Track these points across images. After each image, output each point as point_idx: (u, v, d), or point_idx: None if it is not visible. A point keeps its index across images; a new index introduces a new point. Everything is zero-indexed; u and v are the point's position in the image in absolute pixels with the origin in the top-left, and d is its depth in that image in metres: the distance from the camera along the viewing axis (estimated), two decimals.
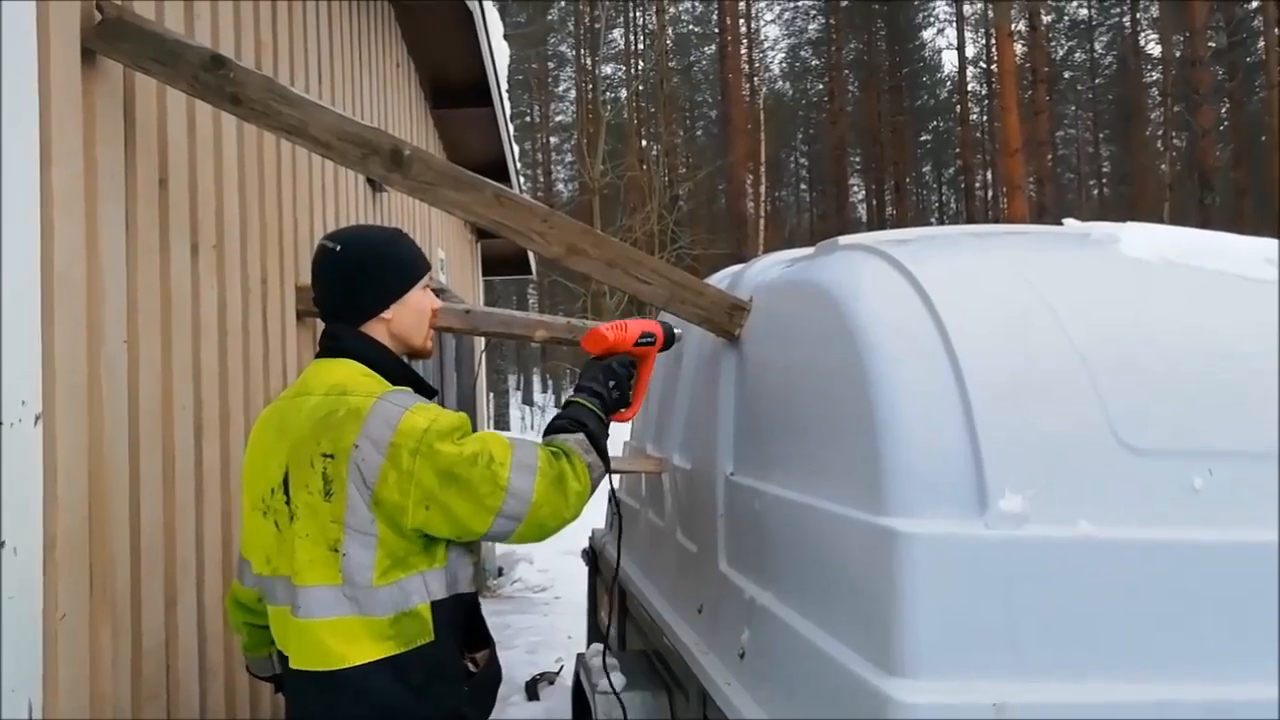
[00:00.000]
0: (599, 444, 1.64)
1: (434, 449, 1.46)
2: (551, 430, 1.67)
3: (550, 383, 35.52)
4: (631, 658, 2.64)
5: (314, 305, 1.70)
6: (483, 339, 7.01)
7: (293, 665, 1.54)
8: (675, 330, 1.96)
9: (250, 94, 1.96)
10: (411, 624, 1.50)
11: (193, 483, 2.25)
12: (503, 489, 1.48)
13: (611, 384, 1.74)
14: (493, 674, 1.70)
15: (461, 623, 1.61)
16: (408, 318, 1.68)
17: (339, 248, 1.65)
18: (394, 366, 1.64)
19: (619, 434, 2.06)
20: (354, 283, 1.63)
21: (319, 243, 1.69)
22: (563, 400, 1.77)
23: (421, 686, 1.50)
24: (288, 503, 1.53)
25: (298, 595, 1.50)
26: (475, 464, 1.47)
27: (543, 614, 6.30)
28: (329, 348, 1.65)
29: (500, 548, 8.13)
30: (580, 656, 2.74)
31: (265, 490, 1.58)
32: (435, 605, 1.53)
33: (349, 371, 1.59)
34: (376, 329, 1.66)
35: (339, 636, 1.47)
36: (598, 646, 2.77)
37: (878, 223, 32.14)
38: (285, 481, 1.53)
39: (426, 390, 1.65)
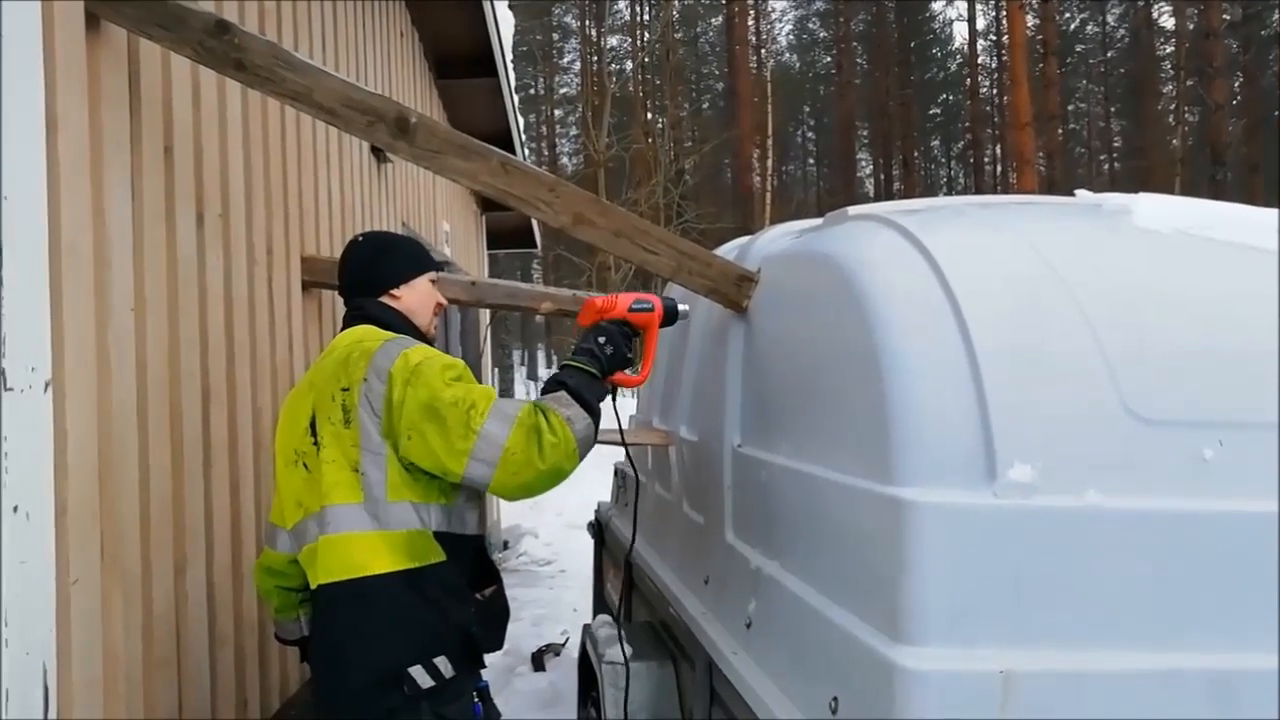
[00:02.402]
0: (580, 396, 1.67)
1: (422, 381, 1.61)
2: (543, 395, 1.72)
3: (555, 357, 35.54)
4: (638, 628, 2.66)
5: (340, 293, 1.96)
6: (488, 313, 7.01)
7: (320, 581, 1.67)
8: (681, 306, 1.93)
9: (255, 60, 1.94)
10: (423, 543, 1.66)
11: (200, 452, 2.26)
12: (474, 433, 1.58)
13: (602, 339, 1.76)
14: (500, 606, 1.86)
15: (469, 559, 1.76)
16: (416, 299, 1.90)
17: (362, 239, 1.96)
18: (409, 330, 1.84)
19: (625, 409, 2.05)
20: (375, 262, 1.89)
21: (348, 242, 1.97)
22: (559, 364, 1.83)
23: (434, 599, 1.65)
24: (315, 442, 1.69)
25: (326, 514, 1.66)
26: (456, 406, 1.59)
27: (548, 587, 6.35)
28: (354, 316, 1.85)
29: (506, 521, 8.17)
30: (587, 627, 2.76)
31: (297, 441, 1.74)
32: (440, 535, 1.68)
33: (368, 329, 1.79)
34: (390, 303, 1.87)
35: (361, 549, 1.63)
36: (604, 617, 2.79)
37: (885, 197, 31.87)
38: (312, 423, 1.71)
39: None
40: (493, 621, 1.83)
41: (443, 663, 1.64)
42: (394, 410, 1.61)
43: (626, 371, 1.81)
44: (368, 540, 1.63)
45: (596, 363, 1.73)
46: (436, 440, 1.59)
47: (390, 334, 1.76)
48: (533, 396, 1.71)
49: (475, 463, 1.58)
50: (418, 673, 1.62)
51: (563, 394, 1.67)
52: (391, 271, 1.88)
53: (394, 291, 1.87)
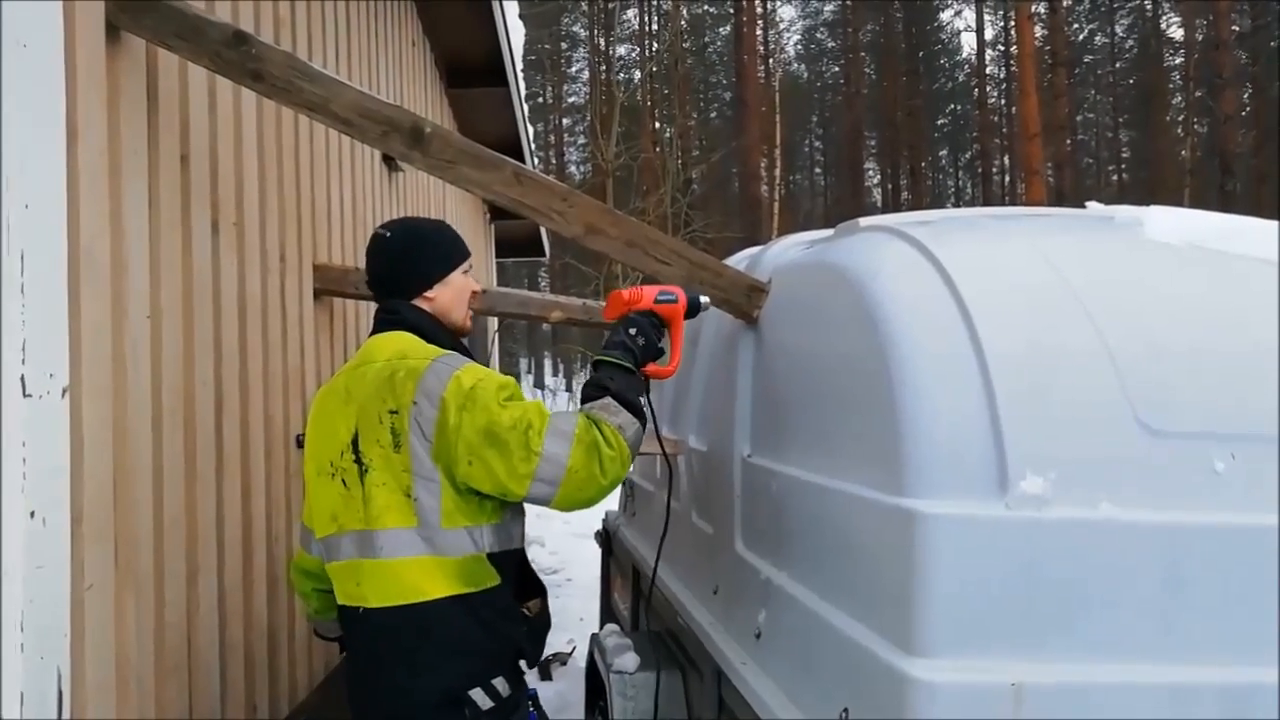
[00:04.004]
0: (626, 399, 1.67)
1: (479, 406, 1.58)
2: (584, 401, 1.71)
3: (561, 366, 35.58)
4: (645, 638, 2.66)
5: (367, 286, 1.88)
6: (496, 322, 7.03)
7: (371, 604, 1.64)
8: (702, 298, 1.93)
9: (272, 70, 1.96)
10: (478, 568, 1.64)
11: (213, 459, 2.27)
12: (536, 454, 1.56)
13: (633, 331, 1.76)
14: (545, 619, 1.86)
15: (515, 573, 1.74)
16: (450, 296, 1.84)
17: (389, 234, 1.84)
18: (445, 336, 1.79)
19: None
20: (404, 264, 1.81)
21: (374, 231, 1.86)
22: (592, 360, 1.81)
23: (489, 622, 1.65)
24: (357, 460, 1.66)
25: (376, 539, 1.63)
26: (515, 429, 1.57)
27: (554, 595, 6.26)
28: (388, 320, 1.79)
29: None
30: (594, 636, 2.76)
31: (334, 454, 1.70)
32: (493, 556, 1.66)
33: (408, 340, 1.74)
34: (423, 305, 1.82)
35: (417, 573, 1.61)
36: (612, 626, 2.79)
37: (893, 208, 31.92)
38: (355, 441, 1.66)
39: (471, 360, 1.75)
40: (539, 637, 1.82)
41: (500, 683, 1.66)
42: (448, 436, 1.58)
43: (657, 363, 1.81)
44: (422, 565, 1.61)
45: (630, 355, 1.73)
46: (498, 465, 1.56)
47: (434, 348, 1.70)
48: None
49: (538, 484, 1.58)
50: (478, 695, 1.62)
51: (609, 401, 1.66)
52: (424, 271, 1.81)
53: (428, 294, 1.81)
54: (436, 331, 1.78)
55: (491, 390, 1.60)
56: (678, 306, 1.86)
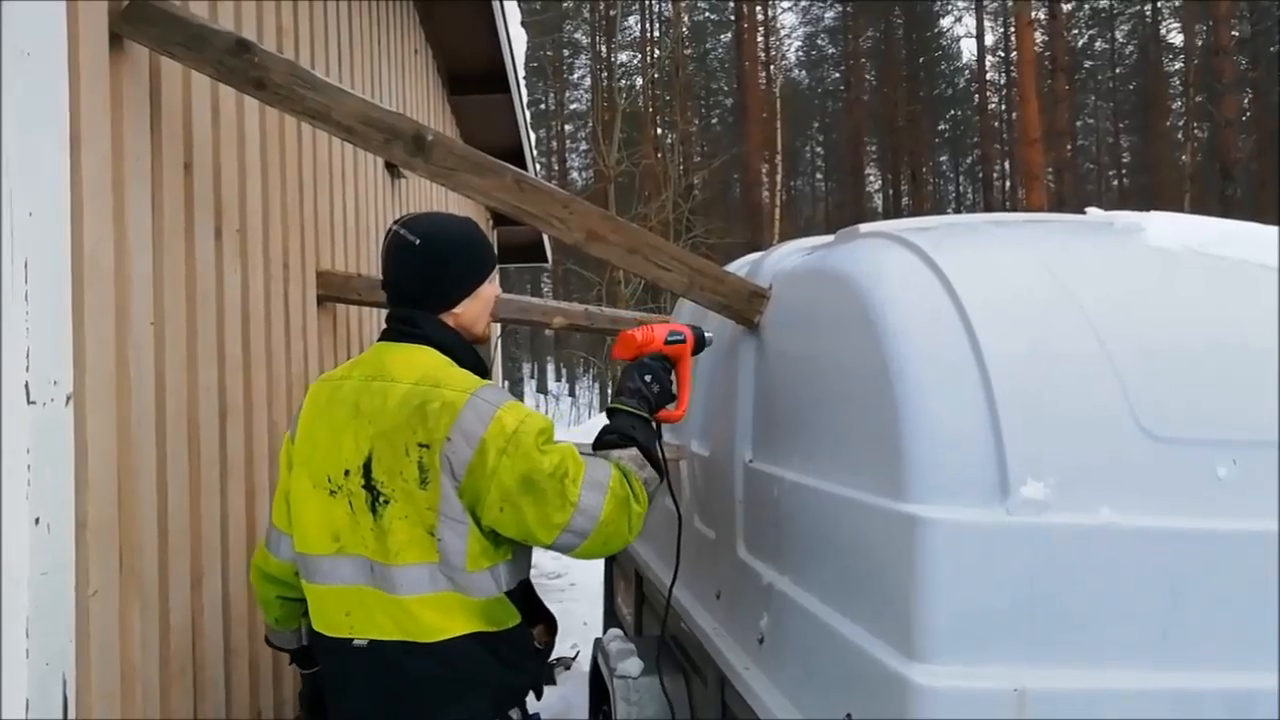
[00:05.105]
0: (650, 454, 1.67)
1: (520, 452, 1.53)
2: (602, 446, 1.69)
3: (564, 371, 35.61)
4: (648, 643, 2.66)
5: (384, 289, 1.75)
6: (498, 327, 7.05)
7: (390, 636, 1.57)
8: (706, 334, 1.94)
9: (275, 79, 1.98)
10: (500, 608, 1.61)
11: (217, 466, 2.28)
12: (572, 505, 1.54)
13: (648, 378, 1.75)
14: (550, 649, 1.81)
15: (520, 599, 1.69)
16: (478, 308, 1.75)
17: (418, 241, 1.67)
18: (470, 355, 1.71)
19: None
20: (433, 276, 1.69)
21: (393, 230, 1.70)
22: (606, 407, 1.79)
23: (509, 660, 1.63)
24: (369, 485, 1.58)
25: (393, 574, 1.56)
26: (553, 477, 1.53)
27: (557, 600, 6.33)
28: (409, 333, 1.68)
29: None
30: (598, 641, 2.76)
31: (335, 470, 1.62)
32: (511, 594, 1.63)
33: (435, 361, 1.64)
34: (447, 319, 1.71)
35: (436, 610, 1.56)
36: (615, 631, 2.79)
37: (894, 213, 31.95)
38: (367, 466, 1.58)
39: (485, 375, 1.71)
40: (546, 665, 1.81)
41: (515, 713, 1.66)
42: (483, 479, 1.52)
43: (668, 407, 1.82)
44: (443, 601, 1.56)
45: (646, 404, 1.73)
46: (532, 513, 1.53)
47: (468, 376, 1.62)
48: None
49: (567, 534, 1.55)
50: None
51: (636, 453, 1.65)
52: (454, 286, 1.70)
53: (455, 310, 1.71)
54: (460, 348, 1.69)
55: (533, 434, 1.55)
56: (686, 346, 1.86)
